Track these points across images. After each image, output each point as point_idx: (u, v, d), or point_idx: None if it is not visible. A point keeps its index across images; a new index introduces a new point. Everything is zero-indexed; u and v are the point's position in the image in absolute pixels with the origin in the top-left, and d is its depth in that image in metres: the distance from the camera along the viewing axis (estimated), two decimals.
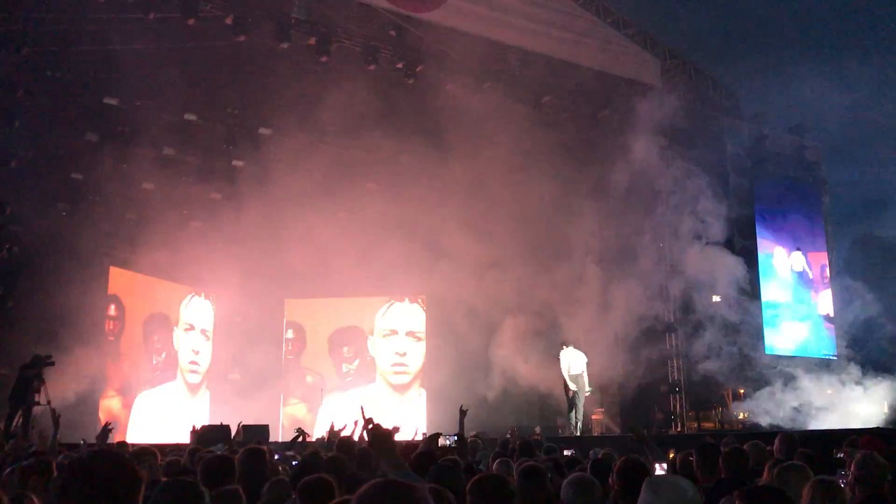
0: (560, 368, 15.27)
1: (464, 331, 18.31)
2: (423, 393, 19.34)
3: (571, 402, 15.19)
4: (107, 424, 8.80)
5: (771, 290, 20.08)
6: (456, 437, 6.02)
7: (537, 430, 16.57)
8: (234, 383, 18.72)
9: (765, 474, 4.98)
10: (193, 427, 12.98)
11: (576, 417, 15.10)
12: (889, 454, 5.21)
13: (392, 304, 20.53)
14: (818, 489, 3.88)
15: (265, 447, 5.49)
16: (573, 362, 15.28)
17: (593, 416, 18.55)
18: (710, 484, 4.98)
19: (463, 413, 7.01)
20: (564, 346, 15.51)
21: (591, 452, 8.57)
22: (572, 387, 15.11)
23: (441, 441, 6.23)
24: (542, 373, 17.22)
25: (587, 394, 15.40)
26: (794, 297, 20.64)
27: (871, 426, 14.91)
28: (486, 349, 17.76)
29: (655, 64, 19.88)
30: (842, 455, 6.60)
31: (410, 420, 16.89)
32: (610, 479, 4.36)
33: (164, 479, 5.70)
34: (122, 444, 9.80)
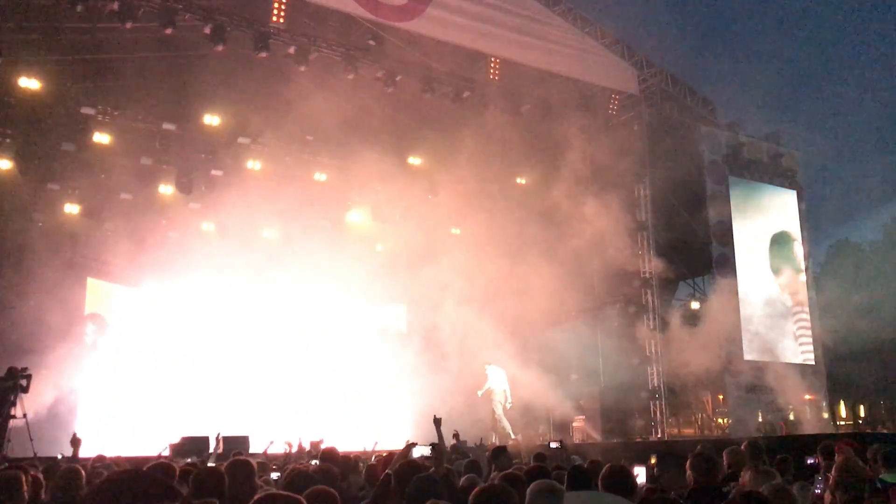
0: (489, 385, 15.92)
1: (444, 338, 18.33)
2: (403, 401, 19.27)
3: (498, 416, 15.83)
4: (74, 436, 8.75)
5: (749, 296, 20.24)
6: (431, 447, 6.02)
7: (518, 437, 16.63)
8: (210, 393, 18.55)
9: (742, 479, 5.03)
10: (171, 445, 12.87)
11: (507, 427, 15.74)
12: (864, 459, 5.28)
13: (374, 310, 20.53)
14: (776, 495, 3.93)
15: (251, 460, 5.47)
16: (498, 378, 15.93)
17: (574, 424, 18.62)
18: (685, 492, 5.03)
19: (437, 422, 7.01)
20: (487, 365, 16.12)
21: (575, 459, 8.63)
22: (500, 400, 15.75)
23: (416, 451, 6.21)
24: (524, 381, 17.27)
25: (508, 406, 16.28)
26: (772, 303, 20.81)
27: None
28: (466, 357, 17.77)
29: (633, 72, 20.08)
30: (814, 461, 6.68)
31: (392, 429, 16.85)
32: None
33: None
34: (100, 457, 9.70)
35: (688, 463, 5.12)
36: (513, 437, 15.55)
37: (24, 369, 12.85)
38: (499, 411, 15.98)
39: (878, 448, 6.08)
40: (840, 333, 21.53)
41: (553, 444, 8.43)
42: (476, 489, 3.56)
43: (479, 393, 16.17)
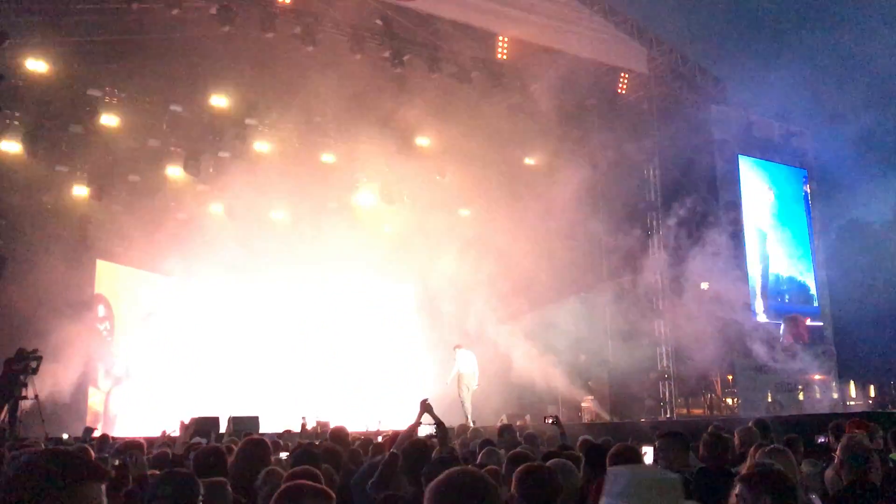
0: (458, 369, 15.99)
1: (452, 317, 18.35)
2: (411, 380, 19.31)
3: (463, 398, 15.88)
4: (87, 429, 8.82)
5: (758, 276, 20.17)
6: (436, 426, 6.02)
7: (527, 417, 16.68)
8: (220, 374, 18.64)
9: (749, 459, 5.00)
10: (182, 422, 12.93)
11: (468, 410, 15.85)
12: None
13: (382, 291, 20.54)
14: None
15: (266, 438, 5.50)
16: (468, 362, 15.98)
17: (583, 404, 18.64)
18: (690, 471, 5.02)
19: (426, 406, 6.90)
20: (458, 348, 16.17)
21: (580, 439, 8.64)
22: (471, 384, 15.84)
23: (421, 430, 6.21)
24: (533, 361, 17.28)
25: (474, 388, 16.15)
26: (780, 287, 20.74)
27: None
28: (475, 335, 17.78)
29: (642, 52, 19.88)
30: (824, 440, 6.65)
31: (400, 408, 16.89)
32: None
33: (150, 471, 5.70)
34: (104, 437, 9.77)
35: (701, 441, 5.11)
36: (471, 420, 15.57)
37: (35, 351, 12.93)
38: (464, 394, 16.10)
39: (875, 427, 6.05)
40: (850, 313, 21.43)
41: (548, 420, 8.41)
42: (522, 468, 3.56)
43: (448, 380, 16.20)
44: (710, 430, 5.59)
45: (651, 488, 2.39)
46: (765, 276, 20.56)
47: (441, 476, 2.17)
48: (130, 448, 5.97)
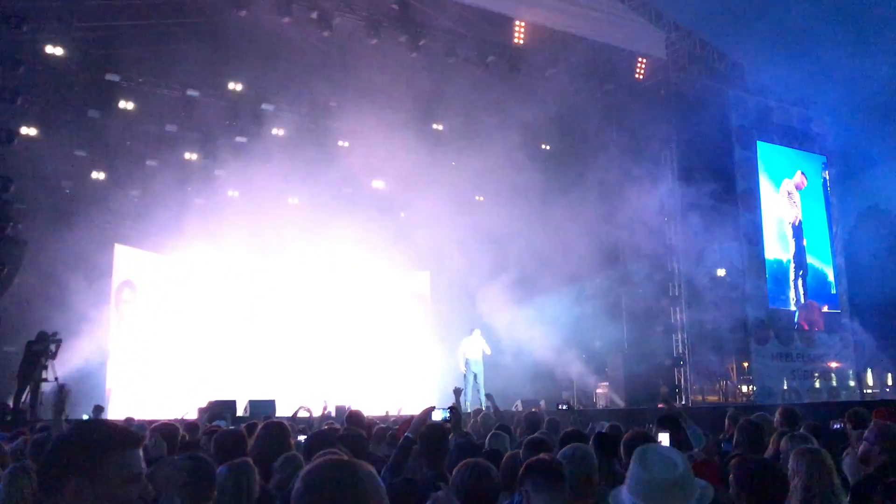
0: (465, 355, 16.13)
1: (470, 303, 18.35)
2: (426, 367, 19.37)
3: (471, 382, 15.90)
4: (96, 406, 8.91)
5: (775, 263, 20.04)
6: (449, 410, 6.05)
7: (542, 403, 16.69)
8: (237, 358, 18.79)
9: (770, 446, 5.00)
10: (199, 408, 13.03)
11: (481, 395, 15.87)
12: None
13: (398, 277, 20.57)
14: (806, 457, 3.90)
15: (286, 422, 5.54)
16: (474, 348, 16.06)
17: (597, 390, 18.64)
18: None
19: (458, 392, 6.98)
20: (467, 337, 16.28)
21: (596, 426, 8.64)
22: (478, 371, 15.90)
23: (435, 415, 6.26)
24: (548, 347, 17.28)
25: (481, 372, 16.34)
26: (798, 275, 20.60)
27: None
28: (492, 322, 17.78)
29: (660, 36, 19.70)
30: (839, 426, 6.62)
31: (416, 394, 16.97)
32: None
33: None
34: (129, 420, 9.87)
35: (737, 428, 5.11)
36: (484, 406, 15.62)
37: (55, 334, 13.07)
38: (470, 380, 16.19)
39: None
40: (868, 300, 21.27)
41: (562, 407, 8.45)
42: (532, 460, 3.54)
43: (462, 367, 16.29)
44: (750, 417, 5.59)
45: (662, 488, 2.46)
46: (799, 262, 20.41)
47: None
48: (163, 430, 5.95)
